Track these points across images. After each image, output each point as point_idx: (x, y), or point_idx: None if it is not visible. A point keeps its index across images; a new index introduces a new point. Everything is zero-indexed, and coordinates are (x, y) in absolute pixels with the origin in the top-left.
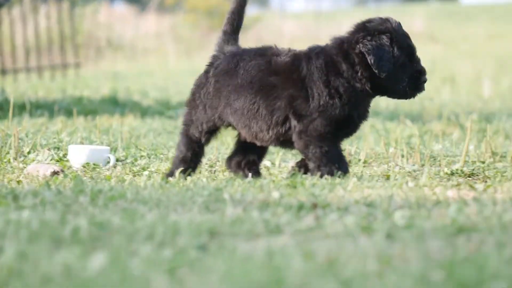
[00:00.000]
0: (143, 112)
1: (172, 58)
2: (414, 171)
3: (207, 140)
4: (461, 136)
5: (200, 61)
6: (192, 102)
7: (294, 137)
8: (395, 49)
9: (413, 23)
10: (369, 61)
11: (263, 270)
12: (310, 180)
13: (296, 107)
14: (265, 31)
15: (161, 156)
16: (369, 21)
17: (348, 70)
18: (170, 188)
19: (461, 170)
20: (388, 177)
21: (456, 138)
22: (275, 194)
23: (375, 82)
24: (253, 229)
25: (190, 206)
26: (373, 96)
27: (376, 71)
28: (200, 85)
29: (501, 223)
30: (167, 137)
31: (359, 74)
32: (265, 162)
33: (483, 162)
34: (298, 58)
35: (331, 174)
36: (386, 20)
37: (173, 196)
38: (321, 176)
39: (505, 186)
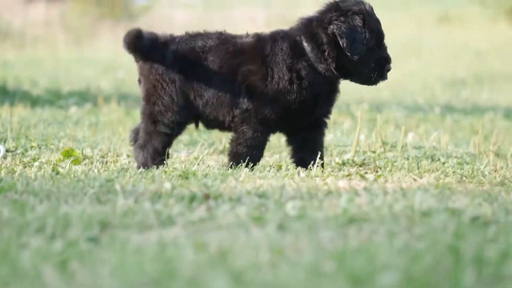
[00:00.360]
0: (33, 101)
1: (62, 47)
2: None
3: (179, 132)
4: (352, 125)
5: (90, 50)
6: (155, 94)
7: (238, 112)
8: (367, 32)
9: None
10: (341, 43)
11: (155, 262)
12: (202, 170)
13: (251, 83)
14: (155, 20)
15: (52, 146)
16: (343, 0)
17: (313, 50)
18: (61, 179)
19: (352, 160)
20: (280, 167)
21: (347, 128)
22: (167, 185)
23: (341, 64)
24: (145, 221)
25: (81, 198)
26: (338, 79)
27: (348, 53)
28: (159, 72)
29: (391, 213)
30: (58, 128)
31: (325, 54)
32: None
33: (374, 152)
34: (262, 39)
35: (244, 160)
36: (360, 2)
37: (64, 188)
38: (234, 153)
39: (395, 176)
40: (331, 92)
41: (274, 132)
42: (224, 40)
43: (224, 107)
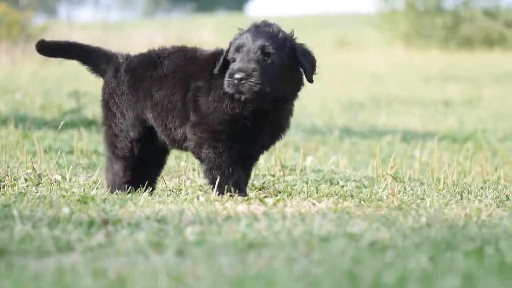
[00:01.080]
0: None
1: None
2: (206, 185)
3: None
4: None
5: None
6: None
7: (188, 132)
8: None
9: (202, 34)
10: None
11: None
12: (101, 195)
13: (198, 98)
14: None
15: None
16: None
17: None
18: None
19: (252, 184)
20: (179, 191)
21: None
22: (65, 210)
23: None
24: (43, 247)
25: None
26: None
27: None
28: (112, 91)
29: (290, 238)
30: None
31: None
32: (56, 176)
33: (274, 176)
34: (220, 53)
35: (225, 182)
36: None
37: None
38: (213, 182)
39: (294, 200)
40: (276, 120)
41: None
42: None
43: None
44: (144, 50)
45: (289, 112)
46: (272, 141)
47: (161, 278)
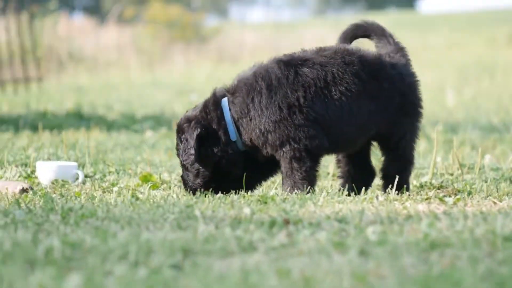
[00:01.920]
0: (109, 126)
1: (134, 71)
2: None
3: None
4: (427, 147)
5: (162, 73)
6: None
7: None
8: None
9: None
10: None
11: None
12: (280, 195)
13: None
14: (225, 42)
15: (130, 171)
16: None
17: None
18: (141, 205)
19: (430, 183)
20: (358, 191)
21: (423, 150)
22: (247, 210)
23: None
24: (227, 247)
25: (161, 224)
26: None
27: None
28: None
29: (473, 237)
30: (134, 152)
31: None
32: None
33: (452, 174)
34: None
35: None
36: None
37: (144, 214)
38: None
39: (474, 199)
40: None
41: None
42: None
43: None
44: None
45: None
46: None
47: (345, 278)
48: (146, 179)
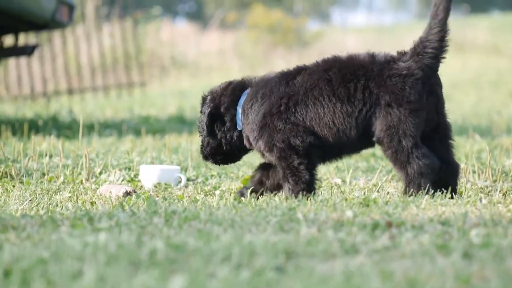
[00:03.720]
0: None
1: (236, 75)
2: (486, 187)
3: None
4: None
5: None
6: None
7: None
8: None
9: (476, 35)
10: None
11: None
12: (382, 198)
13: None
14: (327, 46)
15: (231, 175)
16: None
17: None
18: (243, 208)
19: None
20: (460, 194)
21: None
22: (349, 213)
23: None
24: (329, 249)
25: (264, 226)
26: None
27: None
28: None
29: None
30: None
31: None
32: (336, 180)
33: None
34: None
35: None
36: None
37: (246, 216)
38: None
39: None
40: None
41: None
42: None
43: None
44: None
45: None
46: None
47: (448, 281)
48: (247, 182)
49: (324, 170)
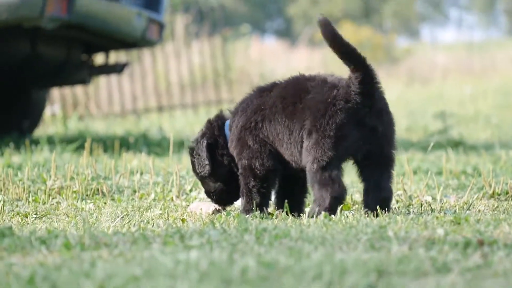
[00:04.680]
0: None
1: None
2: None
3: None
4: None
5: None
6: None
7: None
8: None
9: None
10: None
11: None
12: (474, 215)
13: None
14: (416, 63)
15: None
16: None
17: None
18: (334, 226)
19: None
20: None
21: None
22: (440, 231)
23: None
24: (421, 267)
25: (355, 244)
26: None
27: None
28: None
29: None
30: None
31: None
32: (427, 197)
33: None
34: None
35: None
36: None
37: (337, 234)
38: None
39: None
40: None
41: None
42: None
43: None
44: (508, 70)
45: None
46: None
47: None
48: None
49: (414, 188)
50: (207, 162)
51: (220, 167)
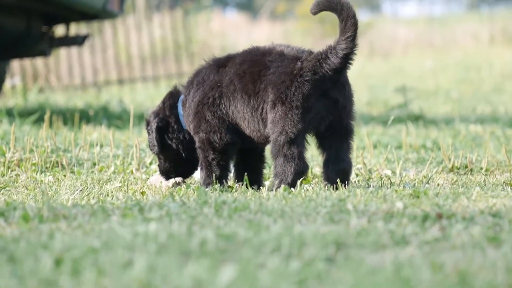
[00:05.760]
0: None
1: None
2: None
3: None
4: None
5: None
6: None
7: None
8: None
9: None
10: None
11: (392, 282)
12: (432, 189)
13: None
14: (377, 37)
15: None
16: None
17: None
18: (293, 199)
19: None
20: (511, 185)
21: None
22: (399, 204)
23: None
24: (379, 240)
25: (314, 217)
26: None
27: None
28: None
29: None
30: None
31: None
32: (386, 171)
33: None
34: None
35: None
36: None
37: (296, 207)
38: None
39: None
40: None
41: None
42: None
43: None
44: (469, 44)
45: None
46: None
47: (499, 273)
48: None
49: (374, 161)
50: (155, 143)
51: (169, 150)
